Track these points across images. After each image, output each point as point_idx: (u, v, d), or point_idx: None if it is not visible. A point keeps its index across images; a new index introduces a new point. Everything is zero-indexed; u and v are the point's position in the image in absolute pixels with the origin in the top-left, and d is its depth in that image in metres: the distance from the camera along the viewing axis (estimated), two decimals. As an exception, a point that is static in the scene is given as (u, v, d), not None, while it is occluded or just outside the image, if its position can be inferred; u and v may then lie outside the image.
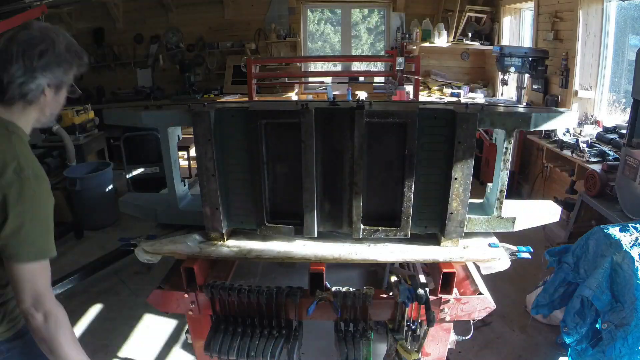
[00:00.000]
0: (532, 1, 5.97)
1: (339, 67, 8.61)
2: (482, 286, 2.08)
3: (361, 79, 7.55)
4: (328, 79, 8.06)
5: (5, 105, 1.40)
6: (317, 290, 2.02)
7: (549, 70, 5.53)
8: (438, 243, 2.14)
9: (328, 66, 8.64)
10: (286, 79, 7.79)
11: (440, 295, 2.03)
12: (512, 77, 6.20)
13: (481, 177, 5.89)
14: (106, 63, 8.25)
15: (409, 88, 6.49)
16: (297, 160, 2.01)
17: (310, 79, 8.46)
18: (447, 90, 7.39)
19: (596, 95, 4.96)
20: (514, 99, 6.40)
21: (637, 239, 2.13)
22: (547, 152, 4.86)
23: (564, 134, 4.76)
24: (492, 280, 2.28)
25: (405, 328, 2.03)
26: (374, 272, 3.85)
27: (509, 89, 6.87)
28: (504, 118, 2.03)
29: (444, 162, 2.00)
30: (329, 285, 2.07)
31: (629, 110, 3.43)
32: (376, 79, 7.32)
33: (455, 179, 1.97)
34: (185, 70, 7.86)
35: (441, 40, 7.39)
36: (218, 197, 2.10)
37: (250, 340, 2.05)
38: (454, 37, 7.43)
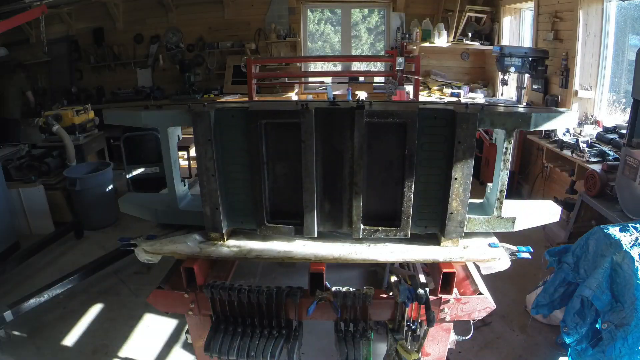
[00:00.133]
0: (532, 1, 5.97)
1: (339, 67, 8.61)
2: (482, 286, 2.08)
3: (361, 79, 7.54)
4: (328, 79, 8.06)
5: None
6: (317, 290, 2.02)
7: (549, 70, 5.53)
8: (438, 243, 2.14)
9: (328, 66, 8.65)
10: (286, 79, 7.79)
11: (440, 295, 2.03)
12: (512, 77, 6.21)
13: (481, 177, 5.89)
14: (106, 63, 8.26)
15: (409, 88, 6.49)
16: (297, 160, 2.01)
17: (310, 79, 8.46)
18: (447, 90, 7.39)
19: (596, 95, 4.96)
20: (514, 99, 6.41)
21: (637, 239, 2.13)
22: (547, 152, 4.87)
23: (564, 134, 4.76)
24: (492, 280, 2.28)
25: (405, 328, 2.03)
26: (374, 272, 3.85)
27: (509, 89, 6.87)
28: (504, 118, 2.03)
29: (444, 162, 2.00)
30: (329, 285, 2.07)
31: (629, 110, 3.43)
32: (376, 79, 7.32)
33: (455, 179, 1.97)
34: (185, 70, 7.87)
35: (441, 40, 7.40)
36: (218, 197, 2.10)
37: (250, 340, 2.05)
38: (454, 37, 7.43)
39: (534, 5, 5.89)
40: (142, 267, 4.30)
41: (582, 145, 4.27)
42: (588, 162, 4.03)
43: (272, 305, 2.03)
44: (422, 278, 2.39)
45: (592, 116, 4.96)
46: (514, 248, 2.14)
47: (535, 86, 5.87)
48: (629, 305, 2.00)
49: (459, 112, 1.91)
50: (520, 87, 5.96)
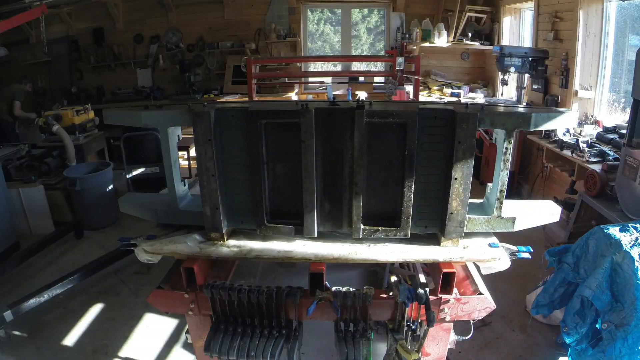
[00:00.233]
0: (532, 1, 5.97)
1: (339, 67, 8.61)
2: (482, 286, 2.08)
3: (361, 79, 7.54)
4: (328, 79, 8.06)
5: None
6: (317, 290, 2.02)
7: (549, 70, 5.53)
8: (438, 243, 2.14)
9: (328, 66, 8.65)
10: (286, 79, 7.79)
11: (440, 295, 2.03)
12: (512, 77, 6.21)
13: (481, 177, 5.89)
14: (106, 63, 8.26)
15: (409, 88, 6.50)
16: (297, 160, 2.01)
17: (310, 79, 8.46)
18: (447, 90, 7.39)
19: (596, 95, 4.96)
20: (514, 99, 6.41)
21: (637, 239, 2.13)
22: (547, 152, 4.87)
23: (564, 134, 4.76)
24: (492, 280, 2.28)
25: (405, 328, 2.03)
26: (374, 272, 3.85)
27: (509, 89, 6.87)
28: (504, 118, 2.02)
29: (444, 162, 2.00)
30: (329, 285, 2.07)
31: (629, 110, 3.43)
32: (376, 79, 7.32)
33: (455, 179, 1.97)
34: (185, 70, 7.87)
35: (441, 40, 7.40)
36: (218, 197, 2.10)
37: (250, 340, 2.05)
38: (454, 37, 7.43)
39: (534, 5, 5.89)
40: (142, 267, 4.30)
41: (582, 145, 4.27)
42: (588, 162, 4.03)
43: (272, 305, 2.03)
44: (422, 278, 2.39)
45: (592, 116, 4.96)
46: (514, 248, 2.14)
47: (535, 86, 5.87)
48: (629, 305, 2.00)
49: (459, 112, 1.91)
50: (520, 87, 5.96)
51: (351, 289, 2.00)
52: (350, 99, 4.34)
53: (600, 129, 4.65)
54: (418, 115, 1.91)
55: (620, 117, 4.75)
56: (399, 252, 2.10)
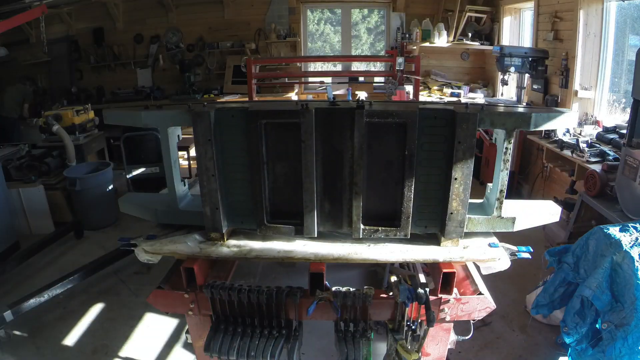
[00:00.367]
0: (532, 1, 5.97)
1: (339, 67, 8.61)
2: (482, 286, 2.08)
3: (361, 79, 7.55)
4: (328, 79, 8.06)
5: None
6: (317, 290, 2.02)
7: (549, 70, 5.53)
8: (438, 243, 2.14)
9: (328, 66, 8.64)
10: (286, 79, 7.79)
11: (440, 295, 2.03)
12: (512, 77, 6.21)
13: (481, 177, 5.89)
14: (106, 63, 8.26)
15: (409, 88, 6.50)
16: (297, 160, 2.01)
17: (310, 79, 8.46)
18: (447, 90, 7.39)
19: (596, 95, 4.96)
20: (514, 99, 6.41)
21: (637, 239, 2.13)
22: (547, 152, 4.87)
23: (564, 134, 4.76)
24: (492, 280, 2.28)
25: (405, 328, 2.03)
26: (374, 272, 3.86)
27: (509, 89, 6.87)
28: (504, 118, 2.03)
29: (444, 162, 2.00)
30: (329, 285, 2.07)
31: (629, 110, 3.43)
32: (376, 79, 7.32)
33: (455, 179, 1.97)
34: (185, 70, 7.87)
35: (441, 40, 7.40)
36: (218, 197, 2.10)
37: (250, 340, 2.05)
38: (454, 37, 7.43)
39: (534, 5, 5.89)
40: (142, 267, 4.30)
41: (582, 145, 4.27)
42: (588, 162, 4.03)
43: (272, 305, 2.03)
44: (422, 278, 2.39)
45: (592, 116, 4.96)
46: (514, 248, 2.14)
47: (535, 86, 5.87)
48: (629, 305, 2.00)
49: (459, 112, 1.91)
50: (520, 87, 5.96)
51: (351, 289, 2.00)
52: (350, 99, 4.34)
53: (600, 129, 4.65)
54: (418, 115, 1.91)
55: (620, 117, 4.75)
56: (399, 252, 2.10)
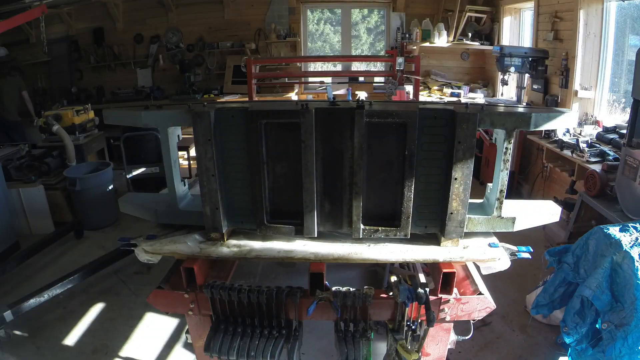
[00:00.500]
0: (532, 1, 5.97)
1: (339, 67, 8.61)
2: (482, 286, 2.08)
3: (361, 79, 7.55)
4: (328, 79, 8.06)
5: None
6: (317, 290, 2.02)
7: (549, 70, 5.53)
8: (438, 243, 2.14)
9: (328, 66, 8.64)
10: (286, 79, 7.79)
11: (440, 295, 2.03)
12: (512, 77, 6.21)
13: (481, 177, 5.89)
14: (106, 63, 8.26)
15: (409, 88, 6.50)
16: (297, 160, 2.01)
17: (310, 79, 8.46)
18: (447, 90, 7.39)
19: (596, 95, 4.96)
20: (514, 99, 6.41)
21: (637, 239, 2.13)
22: (547, 152, 4.87)
23: (564, 134, 4.76)
24: (492, 280, 2.28)
25: (405, 328, 2.03)
26: (374, 272, 3.86)
27: (509, 89, 6.87)
28: (504, 118, 2.03)
29: (444, 162, 2.00)
30: (329, 285, 2.07)
31: (629, 110, 3.43)
32: (376, 79, 7.32)
33: (455, 179, 1.97)
34: (185, 70, 7.87)
35: (441, 40, 7.40)
36: (218, 197, 2.10)
37: (250, 340, 2.05)
38: (454, 37, 7.43)
39: (534, 5, 5.89)
40: (142, 267, 4.30)
41: (582, 145, 4.27)
42: (588, 162, 4.03)
43: (272, 305, 2.03)
44: (422, 278, 2.39)
45: (592, 116, 4.96)
46: (514, 248, 2.14)
47: (535, 86, 5.87)
48: (629, 305, 2.00)
49: (459, 112, 1.91)
50: (520, 87, 5.96)
51: (351, 289, 2.00)
52: (350, 99, 4.34)
53: (600, 129, 4.65)
54: (418, 115, 1.91)
55: (620, 117, 4.75)
56: (399, 252, 2.10)
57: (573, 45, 4.97)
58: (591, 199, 3.57)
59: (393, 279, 2.03)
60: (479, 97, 7.05)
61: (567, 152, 4.45)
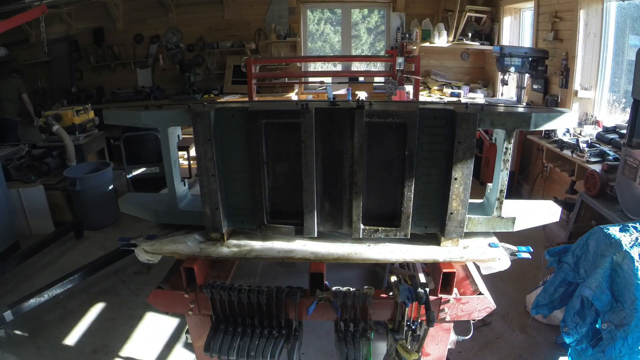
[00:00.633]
0: (532, 1, 5.97)
1: (339, 67, 8.61)
2: (482, 286, 2.08)
3: (361, 79, 7.55)
4: (328, 79, 8.06)
5: None
6: (317, 290, 2.02)
7: (549, 70, 5.53)
8: (438, 243, 2.14)
9: (328, 66, 8.64)
10: (286, 79, 7.79)
11: (440, 295, 2.03)
12: (512, 77, 6.21)
13: (481, 177, 5.89)
14: (106, 63, 8.26)
15: (409, 88, 6.50)
16: (297, 160, 2.01)
17: (310, 79, 8.46)
18: (447, 90, 7.39)
19: (596, 95, 4.96)
20: (514, 99, 6.41)
21: (637, 239, 2.13)
22: (547, 152, 4.87)
23: (564, 134, 4.76)
24: (492, 280, 2.28)
25: (405, 328, 2.03)
26: (374, 272, 3.86)
27: (509, 89, 6.87)
28: (504, 118, 2.03)
29: (444, 162, 2.00)
30: (329, 285, 2.07)
31: (629, 110, 3.43)
32: (376, 79, 7.32)
33: (455, 179, 1.97)
34: (185, 70, 7.87)
35: (441, 40, 7.40)
36: (218, 197, 2.10)
37: (250, 340, 2.05)
38: (454, 37, 7.43)
39: (534, 5, 5.89)
40: (142, 267, 4.30)
41: (582, 145, 4.27)
42: (588, 162, 4.03)
43: (272, 305, 2.03)
44: (422, 278, 2.39)
45: (592, 116, 4.96)
46: (514, 248, 2.14)
47: (535, 86, 5.87)
48: (629, 305, 2.00)
49: (459, 112, 1.91)
50: (520, 87, 5.96)
51: (351, 289, 2.00)
52: (350, 99, 4.34)
53: (600, 129, 4.65)
54: (418, 115, 1.92)
55: (620, 117, 4.75)
56: (399, 252, 2.10)
57: (573, 45, 4.97)
58: (591, 199, 3.57)
59: (393, 279, 2.03)
60: (479, 97, 7.05)
61: (567, 152, 4.45)
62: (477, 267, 2.15)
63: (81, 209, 5.27)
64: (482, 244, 2.16)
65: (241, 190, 2.16)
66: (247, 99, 6.60)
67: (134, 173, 5.96)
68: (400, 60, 6.32)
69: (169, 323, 3.55)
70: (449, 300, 2.03)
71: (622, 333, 1.99)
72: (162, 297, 2.14)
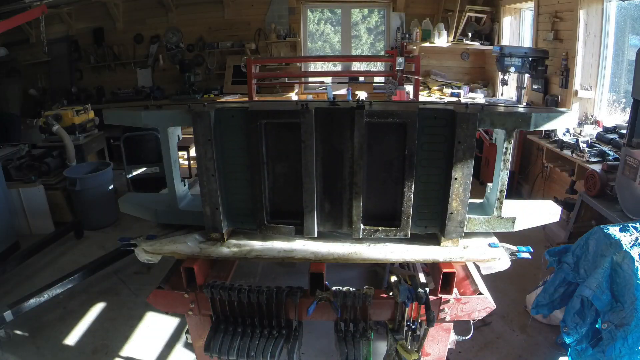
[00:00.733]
0: (532, 1, 5.97)
1: (339, 67, 8.61)
2: (482, 286, 2.08)
3: (361, 79, 7.55)
4: (328, 79, 8.06)
5: None
6: (317, 290, 2.02)
7: (549, 70, 5.53)
8: (438, 243, 2.14)
9: (328, 66, 8.65)
10: (286, 79, 7.79)
11: (440, 295, 2.03)
12: (512, 77, 6.21)
13: (481, 177, 5.89)
14: (106, 63, 8.26)
15: (409, 88, 6.50)
16: (297, 160, 2.01)
17: (310, 79, 8.46)
18: (447, 90, 7.39)
19: (596, 95, 4.96)
20: (514, 99, 6.41)
21: (637, 239, 2.13)
22: (547, 152, 4.87)
23: (564, 134, 4.76)
24: (492, 280, 2.28)
25: (405, 328, 2.03)
26: (374, 272, 3.86)
27: (509, 89, 6.87)
28: (504, 118, 2.03)
29: (444, 162, 2.00)
30: (329, 285, 2.07)
31: (629, 110, 3.43)
32: (376, 79, 7.32)
33: (455, 179, 1.97)
34: (185, 70, 7.87)
35: (441, 40, 7.40)
36: (218, 197, 2.10)
37: (250, 340, 2.05)
38: (454, 37, 7.43)
39: (534, 5, 5.89)
40: (142, 267, 4.30)
41: (582, 145, 4.27)
42: (588, 162, 4.03)
43: (272, 305, 2.03)
44: (422, 278, 2.39)
45: (592, 116, 4.96)
46: (514, 248, 2.14)
47: (535, 86, 5.87)
48: (629, 305, 2.00)
49: (459, 112, 1.91)
50: (520, 87, 5.96)
51: (351, 289, 2.00)
52: (350, 99, 4.34)
53: (600, 129, 4.65)
54: (418, 115, 1.92)
55: (620, 117, 4.75)
56: (399, 252, 2.10)
57: (573, 45, 4.97)
58: (591, 199, 3.57)
59: (393, 279, 2.03)
60: (479, 97, 7.05)
61: (567, 152, 4.45)
62: (477, 267, 2.15)
63: (81, 209, 5.27)
64: (482, 244, 2.16)
65: (241, 190, 2.16)
66: (247, 99, 6.60)
67: (134, 173, 5.96)
68: (400, 60, 6.32)
69: (169, 323, 3.55)
70: (449, 300, 2.03)
71: (622, 333, 1.99)
72: (162, 297, 2.14)
